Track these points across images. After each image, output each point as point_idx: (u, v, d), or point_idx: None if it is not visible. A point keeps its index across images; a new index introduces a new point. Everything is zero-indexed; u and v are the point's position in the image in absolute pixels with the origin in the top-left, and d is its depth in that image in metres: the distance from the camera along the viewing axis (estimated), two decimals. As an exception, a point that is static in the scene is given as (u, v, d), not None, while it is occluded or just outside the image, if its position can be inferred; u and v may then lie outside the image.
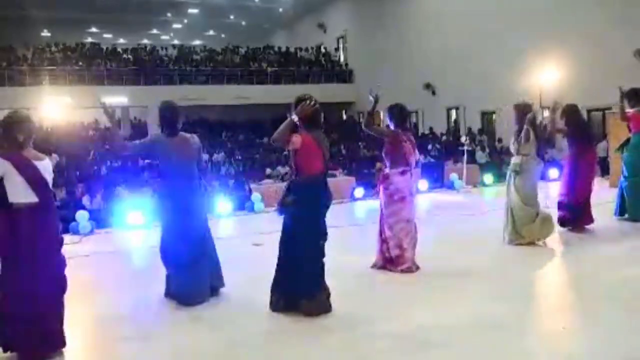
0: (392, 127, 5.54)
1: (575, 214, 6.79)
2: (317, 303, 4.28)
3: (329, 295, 4.35)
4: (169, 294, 4.79)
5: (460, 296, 4.68)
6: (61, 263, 3.73)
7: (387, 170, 5.45)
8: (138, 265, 6.78)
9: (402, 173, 5.38)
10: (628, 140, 7.41)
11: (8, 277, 3.54)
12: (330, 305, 4.33)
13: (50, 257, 3.63)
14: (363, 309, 4.45)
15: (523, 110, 6.24)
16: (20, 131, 3.61)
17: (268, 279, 4.52)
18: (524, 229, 6.15)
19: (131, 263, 6.91)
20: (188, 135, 4.77)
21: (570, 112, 6.87)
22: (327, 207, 4.40)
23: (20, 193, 3.54)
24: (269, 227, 7.87)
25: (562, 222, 6.84)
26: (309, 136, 4.24)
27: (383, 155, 5.56)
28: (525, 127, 6.16)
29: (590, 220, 6.87)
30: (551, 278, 5.51)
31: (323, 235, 4.35)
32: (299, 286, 4.28)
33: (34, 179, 3.57)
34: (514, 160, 6.30)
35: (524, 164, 6.17)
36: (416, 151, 5.52)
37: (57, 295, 3.68)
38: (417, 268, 5.39)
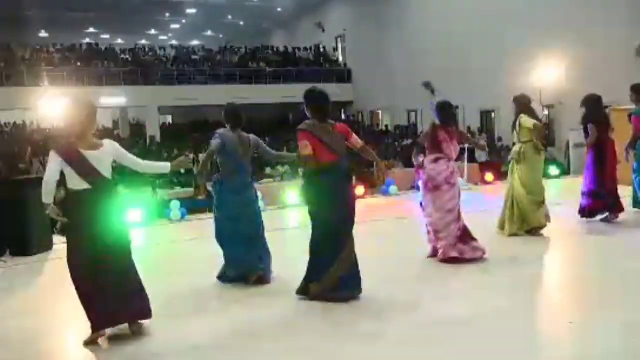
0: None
1: (607, 203, 6.80)
2: (320, 287, 4.37)
3: (335, 283, 4.36)
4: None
5: (464, 290, 4.67)
6: (124, 242, 3.94)
7: (421, 159, 5.57)
8: (136, 263, 6.72)
9: (435, 160, 5.46)
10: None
11: (73, 253, 3.79)
12: (331, 294, 4.35)
13: (111, 235, 3.80)
14: (367, 303, 4.41)
15: (522, 102, 6.30)
16: (75, 123, 3.83)
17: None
18: (530, 217, 6.21)
19: (141, 256, 6.86)
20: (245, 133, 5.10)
21: (592, 102, 6.83)
22: (339, 197, 4.39)
23: (74, 181, 3.80)
24: (269, 225, 7.85)
25: (590, 211, 6.84)
26: (311, 134, 4.37)
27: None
28: (521, 114, 6.21)
29: (621, 209, 6.87)
30: (559, 272, 5.48)
31: (333, 222, 4.36)
32: (311, 269, 4.44)
33: (83, 170, 3.78)
34: (515, 148, 6.37)
35: (525, 151, 6.20)
36: (455, 142, 5.59)
37: (123, 271, 3.91)
38: (453, 258, 5.34)
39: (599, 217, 6.93)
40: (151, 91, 23.70)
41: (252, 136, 5.14)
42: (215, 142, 4.93)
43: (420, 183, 5.64)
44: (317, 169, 4.36)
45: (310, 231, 4.51)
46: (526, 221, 6.26)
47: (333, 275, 4.36)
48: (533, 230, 6.28)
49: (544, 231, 6.36)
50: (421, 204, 5.62)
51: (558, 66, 15.24)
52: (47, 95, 20.15)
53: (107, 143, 3.94)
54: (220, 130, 5.04)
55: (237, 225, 4.91)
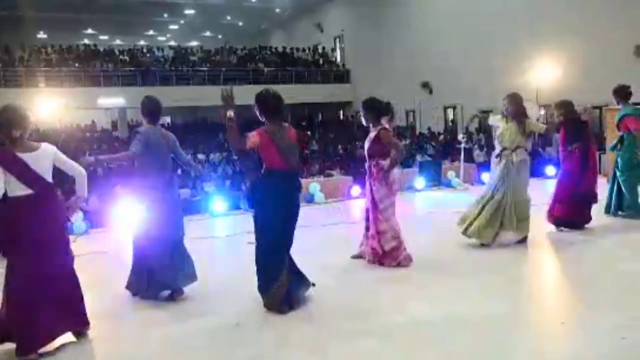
0: (367, 122, 5.48)
1: (573, 212, 6.61)
2: (268, 299, 4.28)
3: (283, 294, 4.23)
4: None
5: (454, 292, 4.66)
6: (66, 251, 3.84)
7: (382, 163, 5.39)
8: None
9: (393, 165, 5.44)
10: (622, 138, 7.30)
11: (14, 267, 3.65)
12: (284, 306, 4.24)
13: (53, 245, 3.72)
14: (357, 304, 4.42)
15: (518, 101, 6.10)
16: (9, 126, 3.65)
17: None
18: (521, 225, 5.98)
19: (125, 262, 6.84)
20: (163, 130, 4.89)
21: (565, 106, 6.70)
22: (285, 206, 4.25)
23: (14, 187, 3.66)
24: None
25: (560, 221, 6.68)
26: (264, 131, 4.20)
27: (371, 153, 5.45)
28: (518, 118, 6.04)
29: (589, 218, 6.71)
30: (548, 273, 5.47)
31: (277, 233, 4.24)
32: (259, 280, 4.33)
33: (22, 175, 3.65)
34: (506, 153, 6.09)
35: (518, 156, 5.99)
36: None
37: (63, 281, 3.80)
38: (411, 260, 5.38)
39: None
40: (149, 92, 23.34)
41: (170, 134, 4.90)
42: (135, 148, 4.58)
43: (378, 187, 5.37)
44: (266, 174, 4.25)
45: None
46: (516, 229, 5.97)
47: (281, 288, 4.23)
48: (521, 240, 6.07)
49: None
50: (374, 209, 5.39)
51: (556, 66, 15.25)
52: (45, 97, 20.21)
53: (45, 146, 3.80)
54: (142, 129, 4.72)
55: (159, 229, 4.61)
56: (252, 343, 3.80)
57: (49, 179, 3.76)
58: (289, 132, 4.32)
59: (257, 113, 4.30)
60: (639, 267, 5.12)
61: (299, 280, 4.42)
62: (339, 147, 19.42)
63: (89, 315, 4.09)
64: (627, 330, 3.64)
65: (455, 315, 4.08)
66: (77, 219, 7.97)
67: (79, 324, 3.91)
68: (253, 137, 4.14)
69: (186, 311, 4.50)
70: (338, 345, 3.68)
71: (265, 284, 4.28)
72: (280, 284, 4.22)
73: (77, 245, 7.20)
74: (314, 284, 4.70)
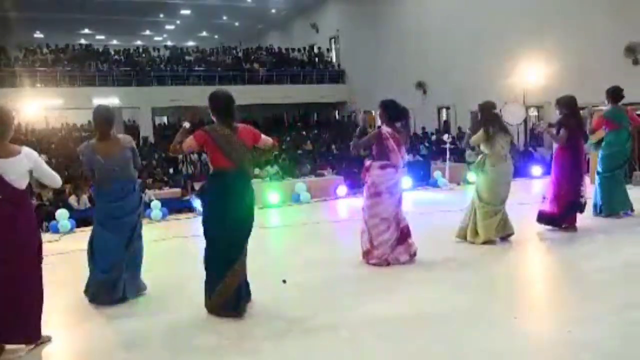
0: (382, 123, 5.52)
1: (566, 212, 6.51)
2: (211, 301, 4.20)
3: (229, 297, 4.14)
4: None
5: (426, 289, 4.75)
6: (29, 258, 3.68)
7: (369, 162, 5.45)
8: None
9: (382, 167, 5.35)
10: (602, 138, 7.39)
11: None
12: (226, 311, 4.13)
13: (16, 250, 3.59)
14: (326, 300, 4.50)
15: (487, 108, 6.07)
16: None
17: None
18: (480, 225, 6.01)
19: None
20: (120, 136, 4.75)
21: (569, 104, 6.52)
22: (231, 205, 4.10)
23: None
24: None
25: (550, 220, 6.61)
26: (208, 134, 4.11)
27: (371, 151, 5.51)
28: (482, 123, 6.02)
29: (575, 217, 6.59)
30: (521, 272, 5.51)
31: (224, 231, 4.12)
32: (206, 282, 4.28)
33: None
34: (477, 158, 6.22)
35: (483, 162, 6.04)
36: (402, 150, 5.43)
37: (21, 286, 3.64)
38: (388, 264, 5.38)
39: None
40: (145, 92, 23.76)
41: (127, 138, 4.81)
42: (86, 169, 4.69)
43: (365, 187, 5.49)
44: (212, 174, 4.21)
45: None
46: (476, 230, 6.08)
47: (225, 289, 4.12)
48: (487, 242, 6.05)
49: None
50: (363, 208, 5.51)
51: (547, 66, 15.33)
52: (40, 97, 20.32)
53: (26, 152, 3.68)
54: (81, 147, 4.69)
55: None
56: (211, 334, 3.89)
57: (22, 185, 3.65)
58: (238, 132, 4.17)
59: (210, 112, 4.22)
60: (605, 265, 5.18)
61: (246, 289, 4.31)
62: (333, 147, 19.54)
63: (65, 308, 4.11)
64: (574, 324, 3.73)
65: (414, 312, 4.15)
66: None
67: (23, 336, 3.71)
68: (189, 141, 4.14)
69: (148, 309, 4.57)
70: (292, 340, 3.75)
71: (209, 285, 4.19)
72: (224, 286, 4.12)
73: (60, 244, 7.36)
74: (284, 281, 4.81)
